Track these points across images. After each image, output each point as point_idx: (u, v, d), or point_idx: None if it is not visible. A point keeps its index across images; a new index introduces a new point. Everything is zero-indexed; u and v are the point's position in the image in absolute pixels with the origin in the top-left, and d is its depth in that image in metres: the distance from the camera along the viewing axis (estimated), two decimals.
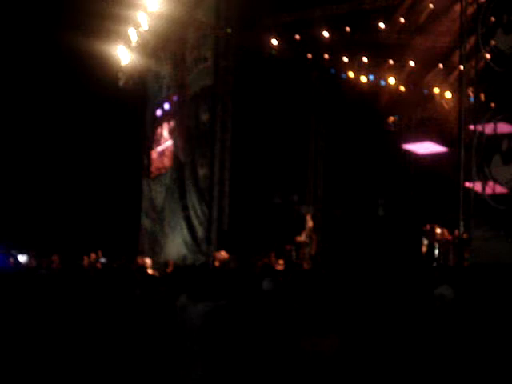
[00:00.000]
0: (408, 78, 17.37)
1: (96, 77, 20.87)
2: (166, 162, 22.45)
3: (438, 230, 14.57)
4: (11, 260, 15.63)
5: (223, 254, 16.00)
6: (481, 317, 6.26)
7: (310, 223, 16.39)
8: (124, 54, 21.56)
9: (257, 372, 5.06)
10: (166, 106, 22.36)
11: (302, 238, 16.27)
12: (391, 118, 17.65)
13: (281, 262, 15.43)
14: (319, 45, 16.90)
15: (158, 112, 23.18)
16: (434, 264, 14.08)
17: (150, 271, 14.09)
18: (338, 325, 5.05)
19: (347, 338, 4.96)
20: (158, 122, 23.33)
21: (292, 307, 5.75)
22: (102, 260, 17.00)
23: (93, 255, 17.03)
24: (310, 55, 17.65)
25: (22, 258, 15.75)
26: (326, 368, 4.73)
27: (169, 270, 13.54)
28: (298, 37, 16.94)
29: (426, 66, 16.75)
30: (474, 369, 5.42)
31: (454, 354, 5.48)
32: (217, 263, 15.62)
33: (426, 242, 14.65)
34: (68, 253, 16.91)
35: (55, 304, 7.82)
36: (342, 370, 4.76)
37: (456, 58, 14.32)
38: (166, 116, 22.67)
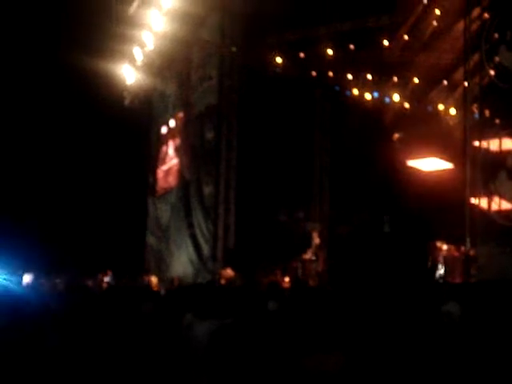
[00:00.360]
0: (412, 94, 17.37)
1: (101, 96, 20.94)
2: (172, 180, 22.48)
3: (445, 247, 14.50)
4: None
5: (229, 272, 15.96)
6: (488, 334, 6.22)
7: (316, 240, 16.35)
8: (129, 73, 21.70)
9: None
10: (172, 122, 22.45)
11: (309, 255, 16.24)
12: (396, 135, 17.63)
13: (287, 279, 15.39)
14: (323, 62, 16.95)
15: (164, 129, 23.27)
16: (441, 281, 13.99)
17: (155, 289, 14.06)
18: (344, 342, 5.01)
19: (353, 355, 4.92)
20: (164, 140, 23.40)
21: (297, 325, 5.72)
22: (108, 279, 16.97)
23: (99, 275, 17.00)
24: (314, 73, 17.69)
25: (27, 279, 15.71)
26: None
27: (174, 287, 13.53)
28: (302, 55, 17.00)
29: (430, 82, 16.74)
30: None
31: (462, 371, 5.44)
32: (223, 281, 15.58)
33: (432, 258, 14.57)
34: (73, 272, 16.87)
35: (59, 324, 7.79)
36: None
37: (460, 74, 14.33)
38: (172, 134, 22.74)
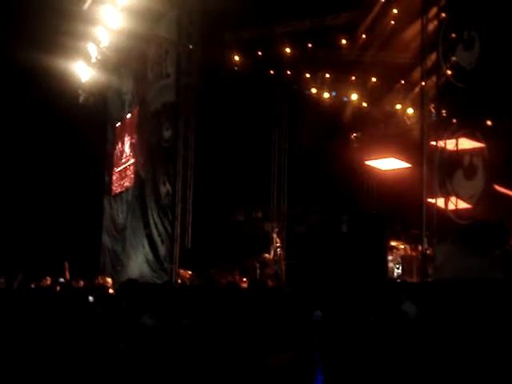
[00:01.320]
0: (370, 94, 17.45)
1: (55, 94, 20.59)
2: (128, 179, 22.21)
3: (402, 246, 14.56)
4: None
5: (186, 272, 15.82)
6: (444, 334, 6.24)
7: (277, 240, 16.32)
8: (84, 70, 21.37)
9: None
10: (128, 115, 22.22)
11: (269, 255, 16.18)
12: (354, 135, 17.69)
13: (245, 279, 15.29)
14: (281, 61, 16.92)
15: (119, 125, 23.04)
16: (398, 280, 14.03)
17: (111, 291, 13.84)
18: (295, 340, 5.02)
19: (302, 352, 4.93)
20: (119, 136, 23.15)
21: (255, 324, 5.67)
22: (62, 280, 16.64)
23: (48, 278, 16.62)
24: (272, 71, 17.65)
25: None
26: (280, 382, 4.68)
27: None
28: (260, 53, 16.96)
29: (388, 82, 16.85)
30: None
31: (416, 369, 5.45)
32: (180, 281, 15.43)
33: (389, 258, 14.62)
34: (27, 272, 16.50)
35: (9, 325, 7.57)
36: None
37: (417, 74, 14.37)
38: (127, 130, 22.48)
